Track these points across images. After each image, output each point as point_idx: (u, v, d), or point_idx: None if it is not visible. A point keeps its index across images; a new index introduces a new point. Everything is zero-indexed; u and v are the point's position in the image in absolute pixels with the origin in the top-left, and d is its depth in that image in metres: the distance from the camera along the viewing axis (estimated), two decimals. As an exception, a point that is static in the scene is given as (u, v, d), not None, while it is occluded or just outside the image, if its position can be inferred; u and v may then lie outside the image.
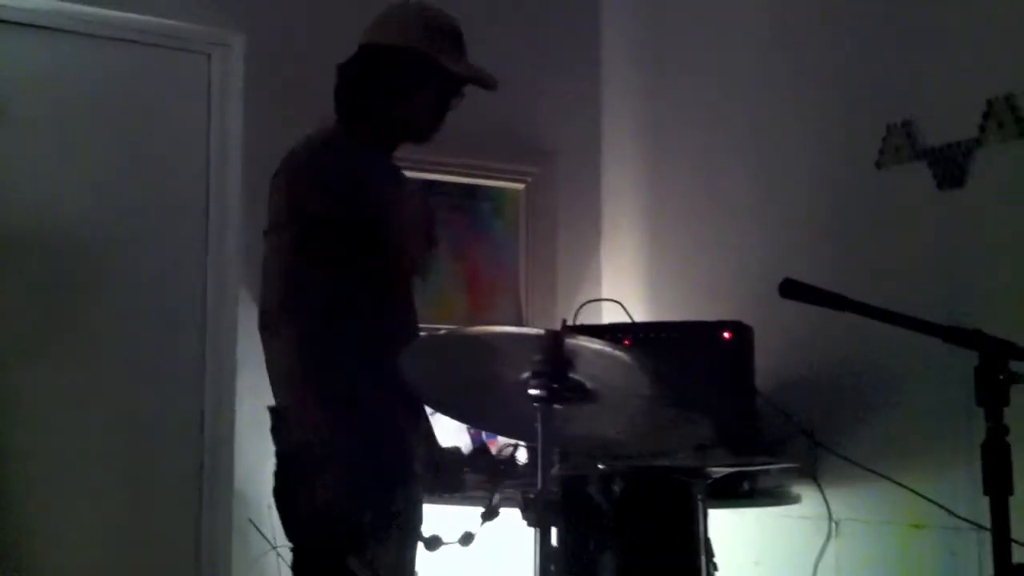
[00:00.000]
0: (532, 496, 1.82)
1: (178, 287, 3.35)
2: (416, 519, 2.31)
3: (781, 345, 3.11)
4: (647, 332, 3.11)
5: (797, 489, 3.07)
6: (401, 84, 2.34)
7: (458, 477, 2.37)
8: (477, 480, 2.66)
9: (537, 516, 1.81)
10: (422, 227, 2.44)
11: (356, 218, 2.21)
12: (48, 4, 3.16)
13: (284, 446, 2.25)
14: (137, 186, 3.31)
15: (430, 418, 2.33)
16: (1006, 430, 1.69)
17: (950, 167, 2.84)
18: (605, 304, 3.71)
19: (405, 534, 2.25)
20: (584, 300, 3.65)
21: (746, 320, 3.06)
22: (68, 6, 3.18)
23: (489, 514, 2.08)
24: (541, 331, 1.87)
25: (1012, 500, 1.69)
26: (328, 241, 2.18)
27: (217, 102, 3.42)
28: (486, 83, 2.41)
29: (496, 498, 2.09)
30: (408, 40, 2.33)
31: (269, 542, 2.98)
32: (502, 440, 3.18)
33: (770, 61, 3.41)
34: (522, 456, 3.08)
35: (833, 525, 2.97)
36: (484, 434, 3.29)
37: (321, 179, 2.22)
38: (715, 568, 2.26)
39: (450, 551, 2.08)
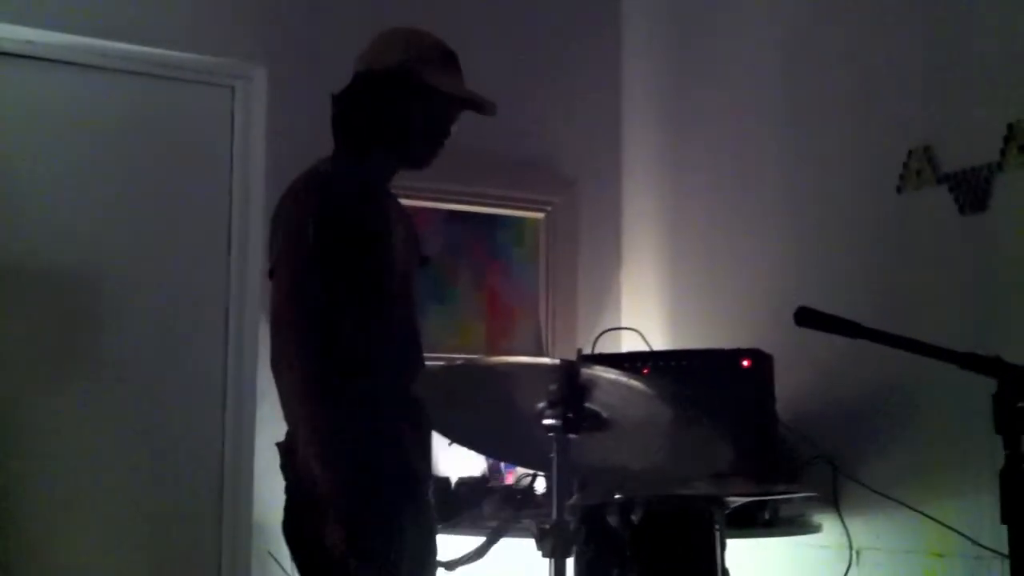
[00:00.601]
0: (547, 526, 1.81)
1: (199, 318, 3.37)
2: (424, 544, 2.32)
3: (802, 372, 3.10)
4: (666, 360, 3.10)
5: (818, 518, 3.04)
6: (391, 107, 2.35)
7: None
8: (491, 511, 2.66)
9: (552, 546, 1.79)
10: (413, 247, 2.45)
11: (350, 242, 2.23)
12: (73, 40, 3.20)
13: (291, 480, 2.25)
14: (160, 218, 3.34)
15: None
16: (1024, 458, 1.68)
17: (972, 191, 2.83)
18: (625, 332, 3.71)
19: (413, 561, 2.25)
20: (604, 328, 3.64)
21: (766, 348, 3.04)
22: (93, 42, 3.22)
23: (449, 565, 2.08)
24: (556, 361, 1.87)
25: (1032, 529, 1.67)
26: (326, 266, 2.19)
27: (240, 134, 3.44)
28: (481, 106, 2.38)
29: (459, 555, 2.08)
30: (395, 63, 2.34)
31: (287, 573, 2.98)
32: (520, 470, 3.17)
33: (791, 86, 3.41)
34: (540, 486, 3.07)
35: (854, 554, 2.94)
36: (503, 464, 3.29)
37: (316, 205, 2.23)
38: (735, 598, 2.24)
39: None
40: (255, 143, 3.42)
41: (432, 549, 2.38)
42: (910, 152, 2.98)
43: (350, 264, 2.23)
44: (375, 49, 2.41)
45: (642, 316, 3.81)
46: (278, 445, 2.29)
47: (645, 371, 3.01)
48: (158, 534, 3.23)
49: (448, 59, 2.41)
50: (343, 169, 2.32)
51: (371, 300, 2.27)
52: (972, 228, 2.82)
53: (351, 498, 2.12)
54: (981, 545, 2.63)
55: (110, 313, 3.25)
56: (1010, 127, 2.73)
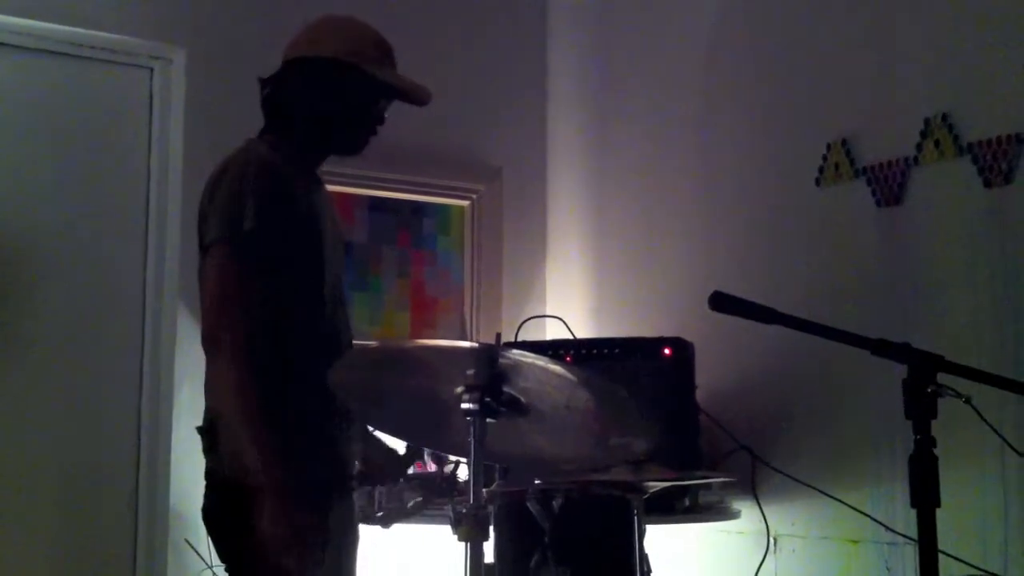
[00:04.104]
0: (463, 511, 1.81)
1: (116, 302, 3.31)
2: (350, 536, 2.30)
3: (722, 361, 3.13)
4: (588, 348, 3.11)
5: (736, 505, 3.07)
6: (328, 95, 2.33)
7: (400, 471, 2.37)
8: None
9: (468, 531, 1.79)
10: (339, 234, 2.44)
11: (288, 223, 2.21)
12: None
13: (214, 466, 2.21)
14: (77, 198, 3.28)
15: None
16: (934, 442, 1.70)
17: (888, 185, 2.87)
18: (549, 321, 3.71)
19: (338, 552, 2.23)
20: (529, 316, 3.65)
21: (688, 337, 3.06)
22: (8, 20, 3.15)
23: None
24: (474, 344, 1.87)
25: (940, 512, 1.70)
26: (254, 251, 2.16)
27: (158, 116, 3.40)
28: (417, 95, 2.37)
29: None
30: (334, 52, 2.32)
31: (205, 561, 2.95)
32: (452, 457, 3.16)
33: (711, 80, 3.44)
34: (464, 472, 3.06)
35: (772, 540, 2.98)
36: (426, 450, 3.27)
37: (256, 184, 2.20)
38: (653, 582, 2.26)
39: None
40: (173, 124, 3.38)
41: (354, 537, 2.37)
42: (828, 146, 3.02)
43: (287, 246, 2.20)
44: (309, 36, 2.38)
45: (567, 304, 3.83)
46: (199, 429, 2.25)
47: (568, 359, 3.01)
48: (70, 521, 3.18)
49: (383, 49, 2.40)
50: (278, 151, 2.30)
51: (306, 286, 2.25)
52: (888, 220, 2.87)
53: (286, 492, 2.08)
54: (895, 531, 2.68)
55: (24, 294, 3.17)
56: (926, 122, 2.78)
